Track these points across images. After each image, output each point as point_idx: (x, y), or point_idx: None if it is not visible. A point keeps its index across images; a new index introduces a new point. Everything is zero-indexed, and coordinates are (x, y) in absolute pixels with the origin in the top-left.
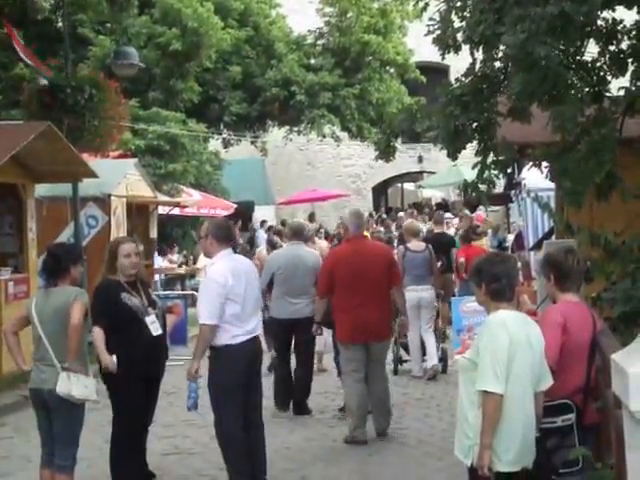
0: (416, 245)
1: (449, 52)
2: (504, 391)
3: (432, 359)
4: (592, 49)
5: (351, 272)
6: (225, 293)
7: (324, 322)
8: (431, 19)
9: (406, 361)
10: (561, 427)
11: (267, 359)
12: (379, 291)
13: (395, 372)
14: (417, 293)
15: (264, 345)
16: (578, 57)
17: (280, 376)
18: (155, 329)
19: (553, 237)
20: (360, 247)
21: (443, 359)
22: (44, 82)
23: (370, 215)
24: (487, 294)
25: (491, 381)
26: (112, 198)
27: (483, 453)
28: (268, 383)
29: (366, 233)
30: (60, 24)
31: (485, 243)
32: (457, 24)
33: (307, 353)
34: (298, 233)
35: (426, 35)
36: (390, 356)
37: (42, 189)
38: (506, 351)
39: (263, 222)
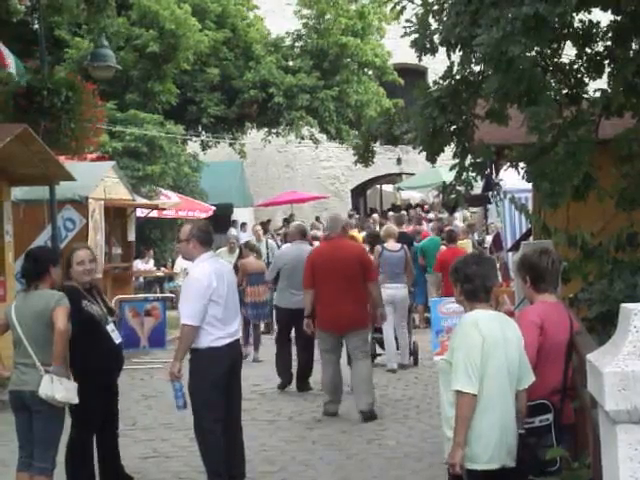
0: (392, 245)
1: (426, 54)
2: (477, 391)
3: (404, 357)
4: (569, 52)
5: (328, 268)
6: (209, 294)
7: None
8: (408, 21)
9: (380, 355)
10: (538, 427)
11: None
12: (353, 285)
13: None
14: (392, 291)
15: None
16: (555, 59)
17: (282, 359)
18: (116, 337)
19: (531, 238)
20: (337, 246)
21: (414, 352)
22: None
23: (349, 216)
24: (462, 294)
25: (463, 381)
26: (90, 201)
27: (455, 452)
28: (247, 391)
29: (356, 233)
30: (36, 26)
31: (467, 244)
32: (434, 26)
33: (307, 338)
34: (303, 234)
35: (402, 37)
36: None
37: (19, 192)
38: (479, 350)
39: (243, 224)
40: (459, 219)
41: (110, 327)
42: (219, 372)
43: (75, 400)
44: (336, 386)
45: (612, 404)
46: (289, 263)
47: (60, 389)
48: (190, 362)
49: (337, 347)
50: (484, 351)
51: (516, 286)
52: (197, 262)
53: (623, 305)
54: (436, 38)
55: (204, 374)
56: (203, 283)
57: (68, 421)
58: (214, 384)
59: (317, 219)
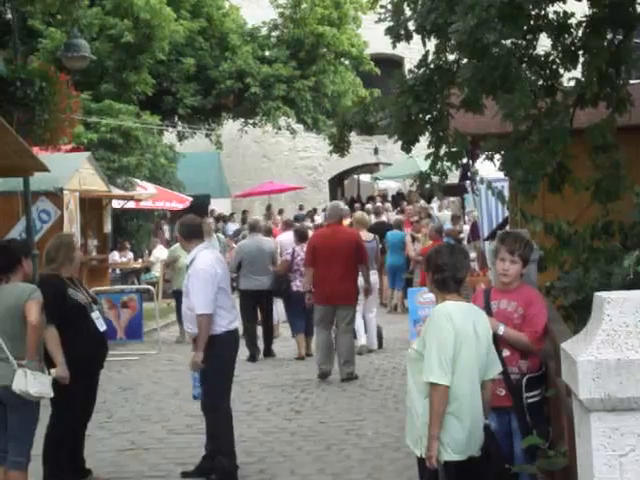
0: (365, 235)
1: (400, 41)
2: (450, 382)
3: (372, 341)
4: (545, 42)
5: (327, 250)
6: (217, 282)
7: (277, 292)
8: (382, 6)
9: None
10: (545, 397)
11: None
12: (347, 266)
13: None
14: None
15: None
16: (530, 51)
17: (249, 336)
18: (100, 325)
19: (507, 227)
20: (335, 230)
21: (379, 336)
22: None
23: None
24: (433, 284)
25: (437, 373)
26: (65, 192)
27: (431, 444)
28: None
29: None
30: (9, 16)
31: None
32: (408, 13)
33: (268, 315)
34: (255, 227)
35: (377, 22)
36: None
37: None
38: (452, 343)
39: (231, 215)
40: (435, 209)
41: (95, 315)
42: (234, 354)
43: (50, 394)
44: (328, 349)
45: (586, 392)
46: (251, 253)
47: (34, 383)
48: (209, 348)
49: (328, 318)
50: (456, 343)
51: (493, 274)
52: (195, 252)
53: (597, 294)
54: (411, 24)
55: (223, 358)
56: (209, 272)
57: (45, 414)
58: (231, 367)
59: (323, 210)
